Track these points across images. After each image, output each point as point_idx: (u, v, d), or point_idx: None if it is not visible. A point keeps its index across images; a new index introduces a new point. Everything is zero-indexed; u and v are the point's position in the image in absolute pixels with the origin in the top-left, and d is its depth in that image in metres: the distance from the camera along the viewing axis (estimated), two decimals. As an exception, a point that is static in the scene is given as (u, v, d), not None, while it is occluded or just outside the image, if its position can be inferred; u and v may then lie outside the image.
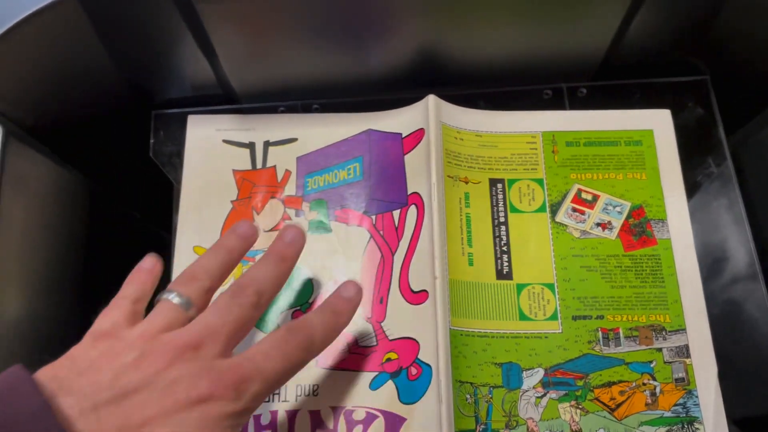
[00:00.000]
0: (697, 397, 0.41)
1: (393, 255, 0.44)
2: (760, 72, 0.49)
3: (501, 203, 0.46)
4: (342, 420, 0.41)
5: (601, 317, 0.43)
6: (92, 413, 0.28)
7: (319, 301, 0.44)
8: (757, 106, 0.49)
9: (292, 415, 0.41)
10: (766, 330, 0.44)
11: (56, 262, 0.43)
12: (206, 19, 0.41)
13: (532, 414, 0.41)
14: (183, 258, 0.45)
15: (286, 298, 0.44)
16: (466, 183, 0.46)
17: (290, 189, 0.47)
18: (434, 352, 0.41)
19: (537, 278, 0.44)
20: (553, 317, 0.43)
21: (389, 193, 0.46)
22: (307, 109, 0.50)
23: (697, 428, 0.41)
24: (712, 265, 0.46)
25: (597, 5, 0.45)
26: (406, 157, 0.47)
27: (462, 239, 0.45)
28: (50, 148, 0.45)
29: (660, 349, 0.43)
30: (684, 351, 0.42)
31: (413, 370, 0.41)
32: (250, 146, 0.48)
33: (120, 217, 0.48)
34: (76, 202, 0.46)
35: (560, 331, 0.43)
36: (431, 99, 0.46)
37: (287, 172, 0.48)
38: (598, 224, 0.46)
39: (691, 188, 0.47)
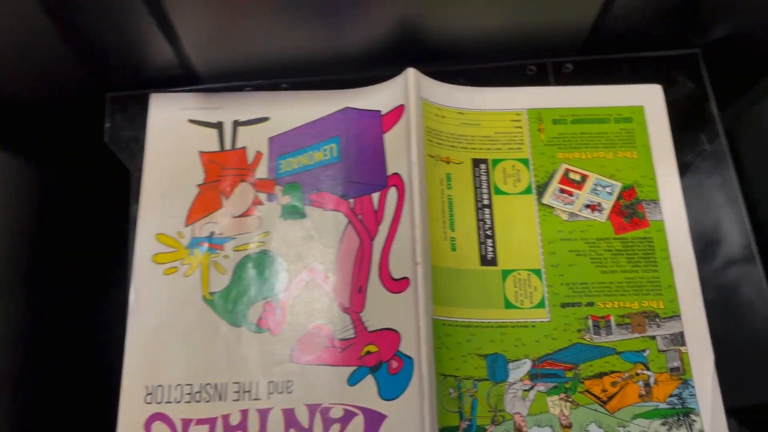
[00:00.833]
0: (693, 387, 0.39)
1: (372, 240, 0.42)
2: (752, 45, 0.46)
3: (485, 185, 0.44)
4: (318, 418, 0.38)
5: (592, 304, 0.41)
6: None
7: (293, 291, 0.41)
8: (750, 79, 0.47)
9: (264, 413, 0.39)
10: (764, 314, 0.42)
11: (1, 257, 0.39)
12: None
13: (520, 408, 0.39)
14: (145, 247, 0.42)
15: (257, 288, 0.41)
16: (448, 163, 0.44)
17: (262, 171, 0.44)
18: (416, 343, 0.38)
19: (523, 264, 0.42)
20: (541, 305, 0.41)
21: (368, 174, 0.43)
22: (275, 89, 0.47)
23: (694, 420, 0.39)
24: (705, 247, 0.44)
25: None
26: (386, 136, 0.44)
27: (444, 223, 0.42)
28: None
29: (654, 337, 0.40)
30: (679, 338, 0.40)
31: (394, 364, 0.39)
32: (218, 126, 0.45)
33: (72, 208, 0.44)
34: (22, 191, 0.43)
35: (548, 319, 0.41)
36: (411, 72, 0.43)
37: (258, 154, 0.44)
38: (588, 206, 0.43)
39: (684, 167, 0.45)
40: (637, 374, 0.40)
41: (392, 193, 0.42)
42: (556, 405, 0.39)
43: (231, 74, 0.47)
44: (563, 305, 0.41)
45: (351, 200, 0.43)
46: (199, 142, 0.45)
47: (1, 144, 0.41)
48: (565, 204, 0.43)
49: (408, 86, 0.43)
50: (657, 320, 0.41)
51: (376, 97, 0.45)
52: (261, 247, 0.42)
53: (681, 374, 0.40)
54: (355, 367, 0.39)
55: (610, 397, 0.39)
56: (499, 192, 0.44)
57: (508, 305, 0.41)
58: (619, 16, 0.46)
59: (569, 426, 0.39)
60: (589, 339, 0.40)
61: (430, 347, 0.38)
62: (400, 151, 0.42)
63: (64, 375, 0.42)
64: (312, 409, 0.39)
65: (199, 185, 0.44)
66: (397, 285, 0.40)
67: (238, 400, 0.39)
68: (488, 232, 0.43)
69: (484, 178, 0.44)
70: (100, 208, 0.44)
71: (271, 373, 0.39)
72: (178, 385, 0.39)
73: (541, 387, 0.39)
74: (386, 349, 0.39)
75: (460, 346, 0.40)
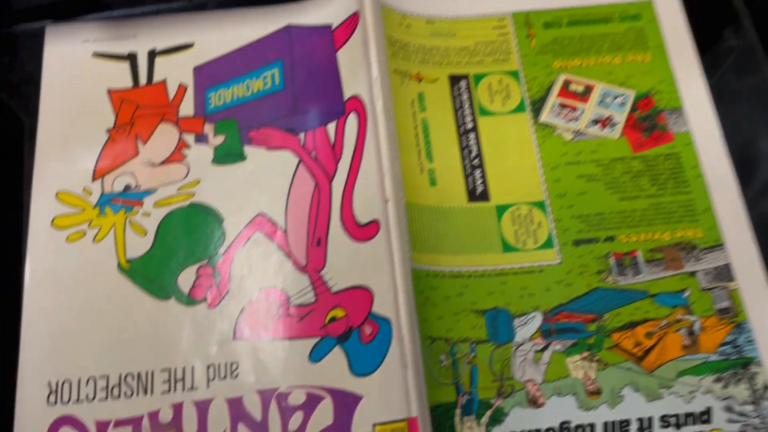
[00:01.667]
0: (749, 331, 0.31)
1: (330, 181, 0.33)
2: None
3: (467, 105, 0.35)
4: (274, 407, 0.30)
5: (612, 239, 0.33)
6: None
7: (233, 251, 0.32)
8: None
9: (204, 406, 0.30)
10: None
11: None
12: None
13: (532, 374, 0.30)
14: (42, 210, 0.33)
15: (187, 250, 0.32)
16: (420, 80, 0.35)
17: (187, 108, 0.35)
18: (393, 300, 0.29)
19: (522, 196, 0.33)
20: (548, 244, 0.33)
21: (320, 101, 0.34)
22: (201, 10, 0.38)
23: (756, 372, 0.30)
24: (743, 165, 0.35)
25: None
26: (339, 54, 0.35)
27: (419, 152, 0.33)
28: None
29: (693, 273, 0.32)
30: (725, 273, 0.32)
31: (367, 329, 0.30)
32: (131, 58, 0.36)
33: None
34: None
35: (559, 261, 0.32)
36: (364, -29, 0.35)
37: (181, 87, 0.36)
38: (596, 121, 0.35)
39: (708, 70, 0.36)
40: (678, 320, 0.31)
41: (351, 121, 0.33)
42: (578, 367, 0.30)
43: (145, -4, 0.38)
44: (576, 242, 0.32)
45: (301, 134, 0.34)
46: (107, 79, 0.36)
47: None
48: (568, 121, 0.35)
49: (362, -13, 0.35)
50: (695, 252, 0.32)
51: (324, 9, 0.36)
52: (190, 199, 0.33)
53: (733, 316, 0.31)
54: (317, 339, 0.30)
55: (646, 352, 0.31)
56: (485, 113, 0.35)
57: (507, 248, 0.32)
58: None
59: (597, 392, 0.30)
60: (612, 282, 0.32)
61: (412, 304, 0.29)
62: (358, 68, 0.34)
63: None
64: (265, 396, 0.30)
65: (109, 129, 0.35)
66: (364, 231, 0.31)
67: (168, 391, 0.30)
68: (475, 162, 0.34)
69: (465, 96, 0.35)
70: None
71: (210, 355, 0.30)
72: (90, 378, 0.30)
73: (557, 345, 0.31)
74: (356, 312, 0.30)
75: (449, 301, 0.31)
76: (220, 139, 0.34)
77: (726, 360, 0.30)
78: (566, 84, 0.36)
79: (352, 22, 0.35)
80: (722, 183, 0.34)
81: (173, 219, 0.33)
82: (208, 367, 0.30)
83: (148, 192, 0.33)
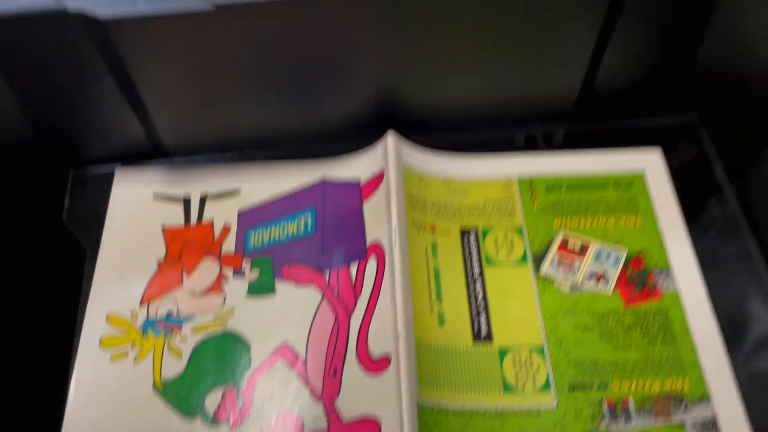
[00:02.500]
0: (735, 483, 0.32)
1: (349, 317, 0.37)
2: (756, 111, 0.44)
3: (475, 255, 0.39)
4: None
5: (605, 386, 0.35)
6: None
7: (257, 376, 0.36)
8: (759, 144, 0.44)
9: None
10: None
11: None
12: (131, 62, 0.36)
13: None
14: (93, 330, 0.37)
15: (215, 374, 0.36)
16: (433, 231, 0.40)
17: (229, 245, 0.40)
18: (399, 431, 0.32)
19: (523, 340, 0.37)
20: (546, 387, 0.35)
21: (345, 244, 0.39)
22: (249, 161, 0.44)
23: None
24: (729, 328, 0.38)
25: (568, 39, 0.40)
26: (365, 206, 0.40)
27: (431, 295, 0.37)
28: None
29: (682, 424, 0.34)
30: (711, 425, 0.34)
31: (373, 459, 0.32)
32: (185, 202, 0.42)
33: (20, 286, 0.40)
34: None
35: (555, 405, 0.35)
36: (390, 136, 0.41)
37: (226, 227, 0.41)
38: (591, 275, 0.39)
39: (694, 236, 0.40)
40: (667, 469, 0.33)
41: (372, 263, 0.38)
42: None
43: (201, 148, 0.44)
44: (572, 387, 0.35)
45: (327, 271, 0.38)
46: (162, 217, 0.41)
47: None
48: (566, 274, 0.39)
49: (387, 150, 0.40)
50: (683, 404, 0.35)
51: (355, 166, 0.42)
52: (223, 327, 0.37)
53: (720, 469, 0.33)
54: (327, 465, 0.33)
55: (637, 499, 0.32)
56: (490, 262, 0.39)
57: (507, 388, 0.35)
58: (605, 81, 0.44)
59: None
60: (605, 427, 0.34)
61: (415, 437, 0.32)
62: (380, 218, 0.39)
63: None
64: None
65: (160, 261, 0.39)
66: (376, 365, 0.35)
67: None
68: (480, 306, 0.38)
69: (473, 248, 0.40)
70: (55, 289, 0.39)
71: (229, 474, 0.33)
72: (117, 490, 0.33)
73: (551, 487, 0.33)
74: (364, 441, 0.33)
75: (451, 437, 0.33)
76: (255, 274, 0.39)
77: None
78: (565, 242, 0.40)
79: (378, 178, 0.40)
80: (708, 340, 0.36)
81: (206, 345, 0.37)
82: (225, 486, 0.33)
83: (188, 318, 0.38)
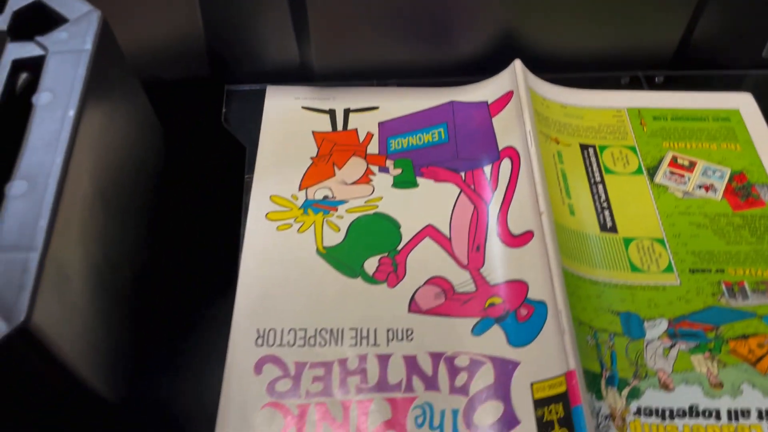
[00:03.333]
0: None
1: (487, 206, 0.41)
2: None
3: (595, 165, 0.44)
4: (443, 366, 0.35)
5: (722, 271, 0.39)
6: None
7: (408, 249, 0.40)
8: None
9: (384, 359, 0.35)
10: None
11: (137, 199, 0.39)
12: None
13: (662, 365, 0.36)
14: (259, 206, 0.41)
15: (371, 244, 0.40)
16: (557, 143, 0.44)
17: (373, 149, 0.45)
18: (549, 287, 0.36)
19: (645, 233, 0.41)
20: (668, 270, 0.39)
21: (478, 151, 0.44)
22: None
23: None
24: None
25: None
26: (494, 120, 0.45)
27: (561, 190, 0.42)
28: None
29: (794, 303, 0.38)
30: (821, 305, 0.38)
31: (523, 311, 0.36)
32: (330, 112, 0.47)
33: (192, 174, 0.45)
34: (158, 152, 0.44)
35: (678, 283, 0.39)
36: (518, 63, 0.46)
37: (369, 134, 0.46)
38: (701, 186, 0.43)
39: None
40: (785, 337, 0.37)
41: (506, 163, 0.42)
42: (701, 363, 0.36)
43: (343, 75, 0.49)
44: (692, 271, 0.39)
45: (462, 173, 0.43)
46: (312, 124, 0.46)
47: (148, 112, 0.42)
48: (678, 184, 0.43)
49: (516, 72, 0.45)
50: (794, 288, 0.39)
51: (482, 91, 0.47)
52: (374, 210, 0.42)
53: (833, 339, 0.36)
54: (478, 319, 0.37)
55: (759, 358, 0.36)
56: (609, 172, 0.44)
57: (634, 269, 0.39)
58: (704, 33, 0.49)
59: (720, 385, 0.35)
60: (725, 302, 0.38)
61: (564, 290, 0.36)
62: (512, 128, 0.44)
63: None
64: (435, 357, 0.35)
65: (312, 158, 0.44)
66: (518, 240, 0.39)
67: (355, 345, 0.36)
68: (604, 204, 0.42)
69: (593, 159, 0.44)
70: (217, 180, 0.44)
71: (390, 321, 0.37)
72: (291, 329, 0.36)
73: (682, 346, 0.36)
74: (512, 299, 0.37)
75: (590, 300, 0.37)
76: (398, 171, 0.44)
77: (831, 371, 0.35)
78: (674, 159, 0.45)
79: (506, 97, 0.45)
80: (812, 240, 0.41)
81: (361, 221, 0.41)
82: (388, 331, 0.36)
83: (342, 202, 0.42)
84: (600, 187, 0.43)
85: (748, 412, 0.34)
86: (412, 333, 0.36)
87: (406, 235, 0.40)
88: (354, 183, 0.43)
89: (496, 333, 0.36)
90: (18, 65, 0.33)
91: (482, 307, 0.37)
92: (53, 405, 0.31)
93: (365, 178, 0.43)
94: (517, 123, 0.43)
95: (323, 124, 0.46)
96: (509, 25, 0.48)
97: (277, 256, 0.39)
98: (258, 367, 0.35)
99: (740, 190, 0.43)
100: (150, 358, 0.37)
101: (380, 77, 0.50)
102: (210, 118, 0.47)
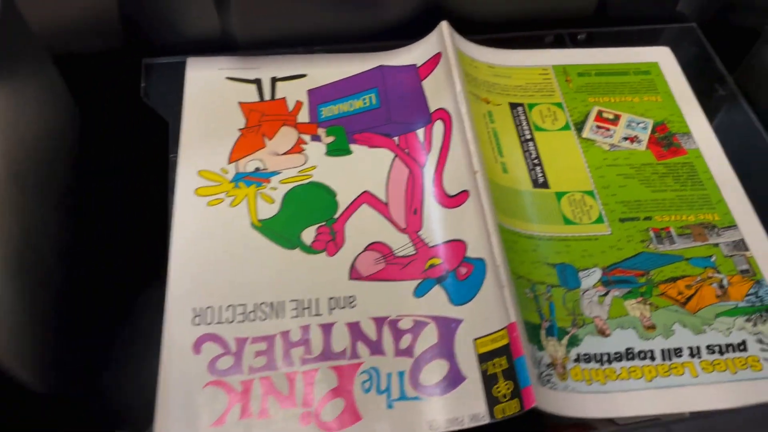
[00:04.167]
0: (767, 286, 0.38)
1: (422, 168, 0.41)
2: (745, 14, 0.51)
3: (524, 123, 0.45)
4: (386, 330, 0.35)
5: (649, 218, 0.41)
6: None
7: (346, 217, 0.39)
8: (748, 46, 0.51)
9: (327, 328, 0.35)
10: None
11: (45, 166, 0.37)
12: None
13: (598, 312, 0.37)
14: (186, 183, 0.40)
15: (307, 214, 0.39)
16: (487, 103, 0.45)
17: (303, 117, 0.44)
18: (486, 245, 0.36)
19: (575, 186, 0.42)
20: (599, 220, 0.40)
21: (410, 115, 0.44)
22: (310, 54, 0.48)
23: (778, 311, 0.37)
24: (742, 169, 0.44)
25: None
26: (424, 83, 0.45)
27: (493, 149, 0.42)
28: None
29: (717, 245, 0.40)
30: (741, 245, 0.40)
31: (462, 270, 0.37)
32: (257, 82, 0.45)
33: (112, 152, 0.43)
34: (73, 131, 0.41)
35: (609, 232, 0.40)
36: (445, 24, 0.46)
37: (299, 102, 0.45)
38: (626, 138, 0.44)
39: (705, 109, 0.47)
40: (710, 277, 0.38)
41: (438, 126, 0.42)
42: (635, 308, 0.37)
43: (267, 43, 0.48)
44: (621, 220, 0.40)
45: (395, 138, 0.43)
46: (238, 95, 0.45)
47: (61, 89, 0.40)
48: (605, 137, 0.44)
49: (444, 36, 0.45)
50: (716, 230, 0.40)
51: (410, 54, 0.47)
52: (309, 179, 0.41)
53: (752, 275, 0.38)
54: (420, 280, 0.37)
55: (688, 299, 0.37)
56: (538, 129, 0.44)
57: (567, 221, 0.40)
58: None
59: (653, 327, 0.36)
60: (653, 248, 0.39)
61: (501, 246, 0.36)
62: (442, 90, 0.43)
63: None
64: (379, 322, 0.35)
65: (241, 129, 0.43)
66: (454, 200, 0.39)
67: (297, 316, 0.35)
68: (536, 161, 0.43)
69: (523, 117, 0.45)
70: (139, 157, 0.42)
71: (331, 290, 0.36)
72: (230, 305, 0.35)
73: (616, 292, 0.37)
74: (451, 259, 0.37)
75: (527, 254, 0.38)
76: (330, 139, 0.43)
77: (752, 306, 0.37)
78: (599, 113, 0.46)
79: (435, 59, 0.45)
80: (729, 183, 0.42)
81: (296, 191, 0.40)
82: (330, 299, 0.36)
83: (275, 173, 0.41)
84: (531, 144, 0.43)
85: (680, 350, 0.35)
86: (354, 300, 0.36)
87: (343, 203, 0.40)
88: (286, 153, 0.42)
89: (437, 293, 0.36)
90: None
91: (422, 269, 0.37)
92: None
93: (297, 148, 0.42)
94: (447, 85, 0.43)
95: (250, 94, 0.45)
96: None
97: (209, 233, 0.38)
98: (197, 347, 0.34)
99: (663, 140, 0.45)
100: (84, 345, 0.36)
101: (306, 44, 0.48)
102: (129, 93, 0.44)
